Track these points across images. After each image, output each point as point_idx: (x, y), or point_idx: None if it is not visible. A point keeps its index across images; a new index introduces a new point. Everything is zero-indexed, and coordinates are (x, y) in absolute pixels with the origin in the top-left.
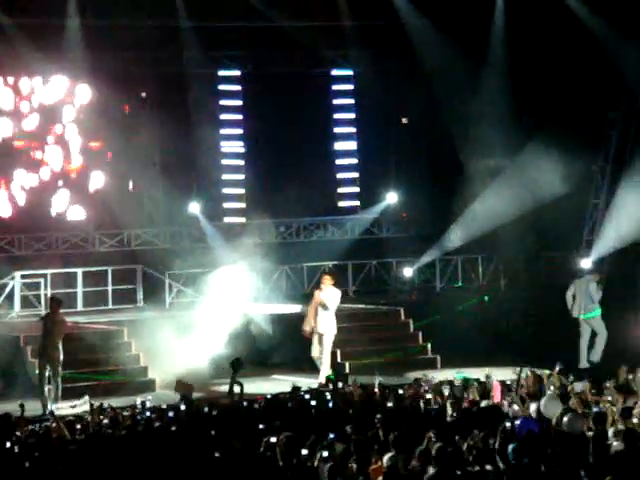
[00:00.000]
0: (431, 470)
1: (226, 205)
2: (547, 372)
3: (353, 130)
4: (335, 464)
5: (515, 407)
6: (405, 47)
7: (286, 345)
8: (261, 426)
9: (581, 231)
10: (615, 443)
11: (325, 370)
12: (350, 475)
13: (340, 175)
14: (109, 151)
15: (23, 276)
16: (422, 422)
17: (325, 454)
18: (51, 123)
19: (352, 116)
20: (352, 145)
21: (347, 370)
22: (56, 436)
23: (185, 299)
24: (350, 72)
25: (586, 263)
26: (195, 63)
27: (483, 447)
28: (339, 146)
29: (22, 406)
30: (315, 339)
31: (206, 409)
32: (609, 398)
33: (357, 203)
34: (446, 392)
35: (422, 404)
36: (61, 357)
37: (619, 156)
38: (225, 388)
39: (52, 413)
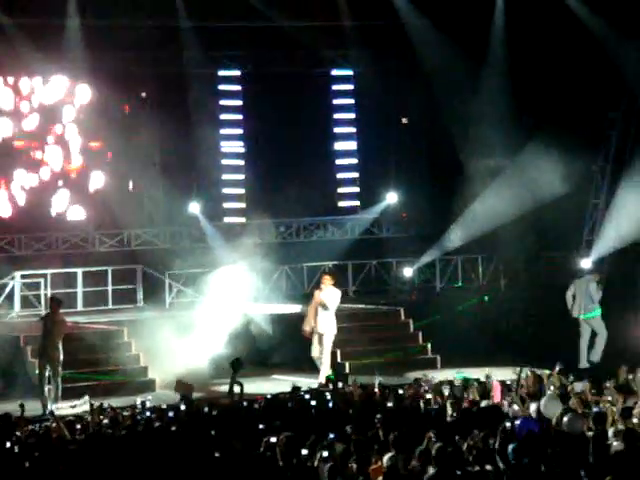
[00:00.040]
0: (431, 470)
1: (226, 205)
2: (547, 372)
3: (353, 130)
4: (335, 464)
5: (515, 407)
6: (405, 47)
7: (286, 345)
8: (261, 426)
9: (581, 231)
10: (615, 443)
11: (325, 370)
12: (350, 475)
13: (340, 175)
14: (109, 151)
15: (23, 276)
16: (422, 422)
17: (325, 454)
18: (51, 123)
19: (352, 116)
20: (352, 145)
21: (347, 370)
22: (56, 436)
23: (185, 299)
24: (350, 72)
25: (586, 263)
26: (195, 63)
27: (483, 447)
28: (339, 146)
29: (22, 406)
30: (315, 339)
31: (206, 409)
32: (609, 398)
33: (357, 203)
34: (446, 392)
35: (422, 404)
36: (61, 357)
37: (619, 156)
38: (225, 388)
39: (52, 413)
